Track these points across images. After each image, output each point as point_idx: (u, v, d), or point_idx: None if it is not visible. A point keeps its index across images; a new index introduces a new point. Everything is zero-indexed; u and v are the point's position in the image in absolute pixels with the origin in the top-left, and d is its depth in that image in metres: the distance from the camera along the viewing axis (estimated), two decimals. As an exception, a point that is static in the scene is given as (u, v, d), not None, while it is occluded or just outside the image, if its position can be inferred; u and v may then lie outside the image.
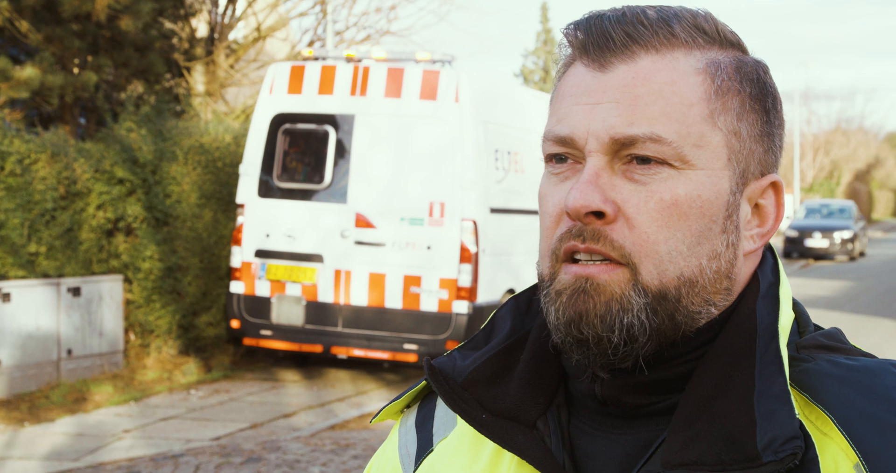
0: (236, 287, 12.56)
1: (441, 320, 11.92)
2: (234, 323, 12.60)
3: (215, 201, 14.05)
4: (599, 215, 1.20)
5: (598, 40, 1.24)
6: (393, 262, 12.07)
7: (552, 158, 1.27)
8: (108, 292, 12.89)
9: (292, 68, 12.56)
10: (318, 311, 12.27)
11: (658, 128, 1.20)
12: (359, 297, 12.16)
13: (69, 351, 12.38)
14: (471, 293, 11.97)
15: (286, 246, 12.40)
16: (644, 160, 1.21)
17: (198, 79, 18.60)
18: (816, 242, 36.81)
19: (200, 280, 13.88)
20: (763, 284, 1.26)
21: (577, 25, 1.27)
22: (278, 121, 12.53)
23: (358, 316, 12.18)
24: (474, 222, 11.95)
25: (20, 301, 11.78)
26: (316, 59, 12.75)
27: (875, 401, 1.17)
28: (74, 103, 15.48)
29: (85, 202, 12.93)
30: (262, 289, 12.46)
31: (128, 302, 13.43)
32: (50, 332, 12.14)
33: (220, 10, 19.41)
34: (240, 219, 12.58)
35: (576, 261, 1.22)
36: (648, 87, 1.21)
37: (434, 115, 12.04)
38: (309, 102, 12.44)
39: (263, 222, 12.48)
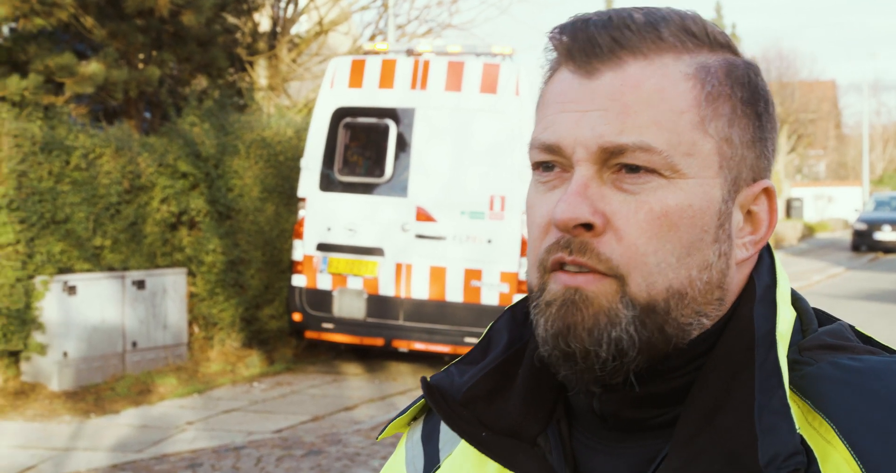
0: (298, 281, 12.63)
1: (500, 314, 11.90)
2: (296, 316, 12.67)
3: (277, 195, 14.14)
4: (588, 226, 1.17)
5: (584, 46, 1.20)
6: (453, 255, 12.07)
7: (539, 167, 1.23)
8: (172, 285, 13.03)
9: (353, 62, 12.60)
10: (379, 304, 12.31)
11: (648, 137, 1.17)
12: (420, 290, 12.18)
13: (134, 344, 12.52)
14: (532, 287, 11.94)
15: (347, 240, 12.45)
16: (633, 169, 1.18)
17: (260, 73, 18.71)
18: (886, 235, 36.30)
19: (263, 273, 13.98)
20: (759, 287, 1.22)
21: (563, 29, 1.23)
22: (339, 115, 12.57)
23: (419, 310, 12.20)
24: (535, 216, 11.92)
25: (86, 294, 11.93)
26: (387, 52, 12.80)
27: (878, 407, 1.13)
28: (139, 98, 15.63)
29: (149, 196, 13.06)
30: (324, 282, 12.53)
31: (191, 295, 13.56)
32: (115, 324, 12.28)
33: (283, 4, 19.52)
34: (301, 213, 12.64)
35: (568, 271, 1.19)
36: (637, 94, 1.18)
37: (494, 108, 12.02)
38: (370, 95, 12.48)
39: (324, 215, 12.54)
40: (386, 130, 12.38)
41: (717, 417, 1.14)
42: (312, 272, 12.58)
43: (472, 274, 12.06)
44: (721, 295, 1.21)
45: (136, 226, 12.88)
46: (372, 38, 21.14)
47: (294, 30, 20.32)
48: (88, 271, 12.15)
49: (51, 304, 11.64)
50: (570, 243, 1.18)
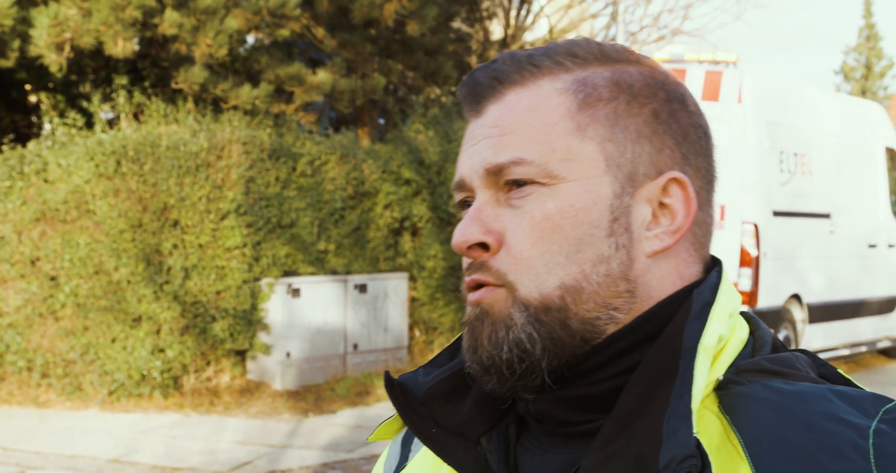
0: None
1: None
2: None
3: (498, 203, 14.25)
4: (485, 247, 1.24)
5: (471, 90, 1.29)
6: (671, 265, 11.91)
7: (461, 206, 1.32)
8: (394, 290, 13.30)
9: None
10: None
11: (521, 151, 1.23)
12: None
13: (355, 346, 12.84)
14: (751, 298, 11.68)
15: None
16: (519, 184, 1.23)
17: (490, 81, 18.88)
18: None
19: (483, 280, 14.10)
20: (697, 304, 1.21)
21: (461, 84, 1.32)
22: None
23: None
24: (755, 226, 11.66)
25: (309, 297, 12.31)
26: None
27: (792, 425, 1.11)
28: (373, 106, 16.04)
29: (372, 202, 13.38)
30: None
31: (412, 299, 13.81)
32: (337, 327, 12.63)
33: (514, 12, 19.67)
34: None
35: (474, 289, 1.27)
36: (512, 117, 1.25)
37: (716, 116, 11.79)
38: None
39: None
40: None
41: (636, 422, 1.16)
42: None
43: (691, 284, 11.87)
44: (629, 287, 1.23)
45: (360, 231, 13.21)
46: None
47: (526, 38, 20.45)
48: (312, 274, 12.54)
49: (276, 305, 12.06)
50: (473, 265, 1.25)
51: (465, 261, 1.27)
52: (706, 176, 1.30)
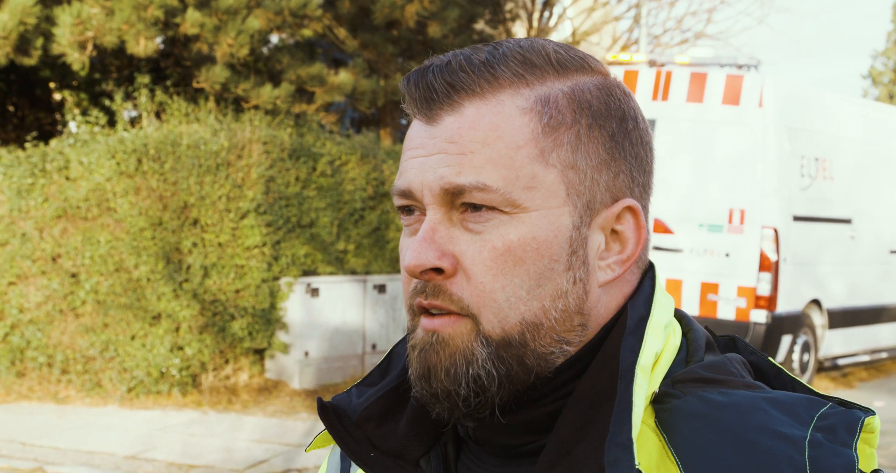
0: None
1: (738, 329, 11.66)
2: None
3: (519, 204, 14.26)
4: (439, 270, 1.20)
5: (423, 94, 1.22)
6: (690, 268, 11.90)
7: (402, 211, 1.27)
8: (413, 291, 13.29)
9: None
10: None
11: (484, 176, 1.18)
12: (655, 303, 12.04)
13: (373, 346, 12.86)
14: (770, 303, 11.66)
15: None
16: (476, 207, 1.19)
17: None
18: None
19: (502, 281, 14.12)
20: (632, 319, 1.21)
21: (408, 79, 1.25)
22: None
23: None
24: (775, 230, 11.63)
25: (328, 296, 12.34)
26: (630, 63, 12.75)
27: (729, 443, 1.11)
28: (395, 107, 16.06)
29: (392, 203, 13.38)
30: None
31: (431, 301, 13.81)
32: (355, 327, 12.65)
33: (537, 15, 19.67)
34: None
35: (432, 315, 1.21)
36: (474, 134, 1.19)
37: (736, 120, 11.79)
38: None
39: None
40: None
41: (577, 446, 1.15)
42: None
43: (709, 288, 11.85)
44: (582, 321, 1.21)
45: (379, 231, 13.23)
46: (624, 48, 21.06)
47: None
48: (331, 274, 12.56)
49: (294, 305, 12.10)
50: (426, 288, 1.21)
51: (413, 281, 1.22)
52: (648, 190, 1.28)
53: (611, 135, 1.24)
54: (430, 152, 1.22)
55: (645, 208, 1.27)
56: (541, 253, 1.19)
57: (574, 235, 1.21)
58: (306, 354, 12.12)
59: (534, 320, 1.19)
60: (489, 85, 1.21)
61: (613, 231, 1.24)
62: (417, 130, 1.24)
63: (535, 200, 1.19)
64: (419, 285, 1.21)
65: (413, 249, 1.20)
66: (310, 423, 10.78)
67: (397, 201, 1.26)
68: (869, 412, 1.14)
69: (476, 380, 1.19)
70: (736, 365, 1.23)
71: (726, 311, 11.76)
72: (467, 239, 1.20)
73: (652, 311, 1.22)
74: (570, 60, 1.25)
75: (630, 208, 1.24)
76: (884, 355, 14.55)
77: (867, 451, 1.13)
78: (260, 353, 12.26)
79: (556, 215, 1.20)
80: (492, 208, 1.19)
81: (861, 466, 1.10)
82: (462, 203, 1.20)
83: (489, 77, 1.21)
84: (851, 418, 1.13)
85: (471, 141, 1.19)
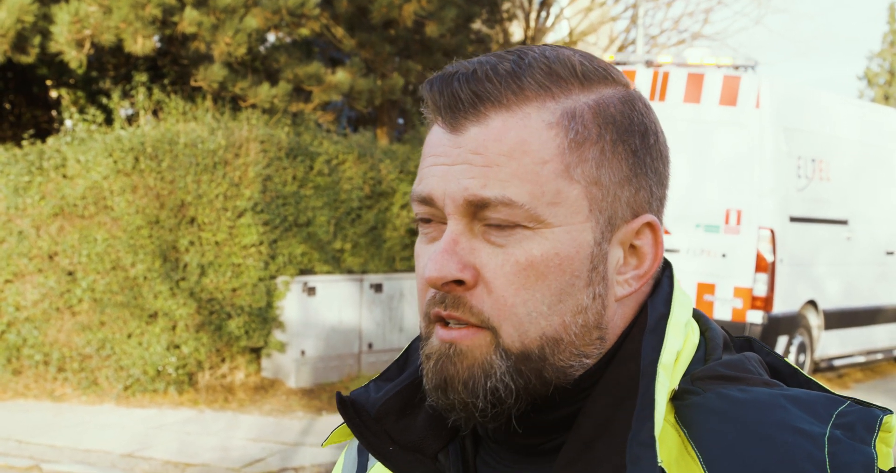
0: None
1: (734, 329, 11.65)
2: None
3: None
4: (459, 282, 1.19)
5: (448, 102, 1.21)
6: (687, 269, 11.90)
7: (422, 220, 1.26)
8: (410, 290, 13.32)
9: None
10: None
11: (510, 191, 1.18)
12: (651, 303, 12.05)
13: (370, 345, 12.86)
14: (766, 303, 11.67)
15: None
16: (501, 226, 1.19)
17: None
18: None
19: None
20: (652, 317, 1.21)
21: (431, 84, 1.24)
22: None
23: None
24: (772, 231, 11.64)
25: (325, 295, 12.34)
26: (618, 64, 12.75)
27: (749, 438, 1.12)
28: (392, 106, 16.06)
29: (389, 202, 13.40)
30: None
31: (427, 300, 13.81)
32: (352, 326, 12.66)
33: (534, 15, 19.68)
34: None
35: (446, 323, 1.21)
36: (500, 147, 1.19)
37: (733, 121, 11.80)
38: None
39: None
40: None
41: (596, 444, 1.16)
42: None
43: (706, 288, 11.87)
44: (601, 334, 1.22)
45: (376, 231, 13.24)
46: (621, 48, 21.07)
47: (545, 39, 20.46)
48: (328, 273, 12.57)
49: (291, 304, 12.10)
50: (445, 299, 1.20)
51: (430, 290, 1.22)
52: (664, 203, 1.29)
53: (633, 151, 1.24)
54: (453, 161, 1.21)
55: (661, 222, 1.27)
56: (563, 269, 1.19)
57: (595, 251, 1.21)
58: (303, 353, 12.13)
59: (554, 335, 1.20)
60: (515, 97, 1.20)
61: (632, 246, 1.25)
62: (440, 137, 1.23)
63: (558, 215, 1.19)
64: (438, 295, 1.21)
65: (434, 260, 1.19)
66: (306, 422, 10.78)
67: (416, 209, 1.26)
68: (887, 411, 1.15)
69: (494, 393, 1.19)
70: (754, 364, 1.25)
71: (723, 312, 11.77)
72: (489, 251, 1.20)
73: (672, 309, 1.23)
74: (594, 72, 1.24)
75: (649, 224, 1.25)
76: (879, 356, 14.57)
77: (884, 450, 1.14)
78: (256, 352, 12.26)
79: (579, 230, 1.20)
80: (515, 224, 1.19)
81: (879, 464, 1.11)
82: (484, 216, 1.20)
83: (515, 88, 1.20)
84: (870, 416, 1.13)
85: (496, 154, 1.19)
